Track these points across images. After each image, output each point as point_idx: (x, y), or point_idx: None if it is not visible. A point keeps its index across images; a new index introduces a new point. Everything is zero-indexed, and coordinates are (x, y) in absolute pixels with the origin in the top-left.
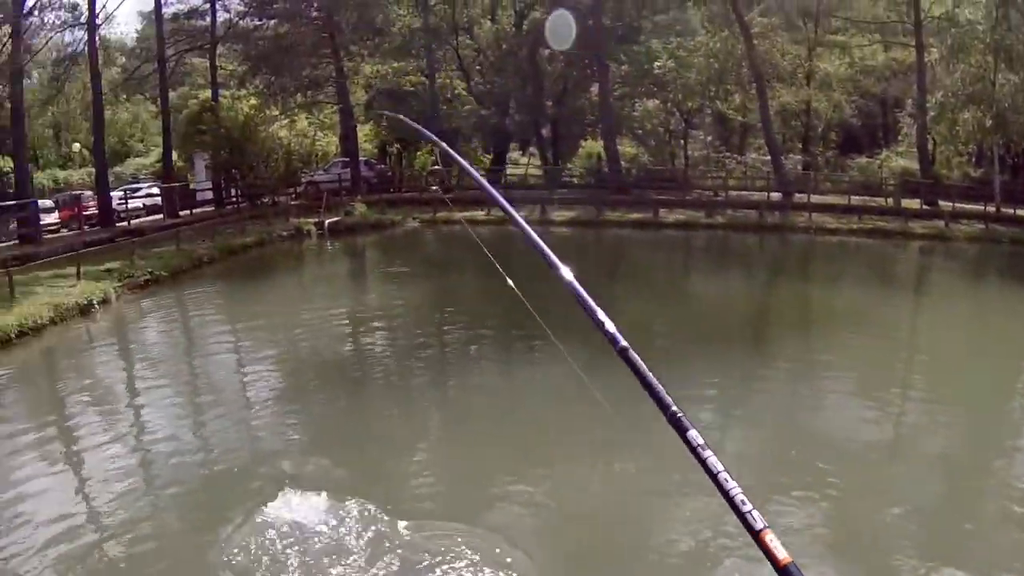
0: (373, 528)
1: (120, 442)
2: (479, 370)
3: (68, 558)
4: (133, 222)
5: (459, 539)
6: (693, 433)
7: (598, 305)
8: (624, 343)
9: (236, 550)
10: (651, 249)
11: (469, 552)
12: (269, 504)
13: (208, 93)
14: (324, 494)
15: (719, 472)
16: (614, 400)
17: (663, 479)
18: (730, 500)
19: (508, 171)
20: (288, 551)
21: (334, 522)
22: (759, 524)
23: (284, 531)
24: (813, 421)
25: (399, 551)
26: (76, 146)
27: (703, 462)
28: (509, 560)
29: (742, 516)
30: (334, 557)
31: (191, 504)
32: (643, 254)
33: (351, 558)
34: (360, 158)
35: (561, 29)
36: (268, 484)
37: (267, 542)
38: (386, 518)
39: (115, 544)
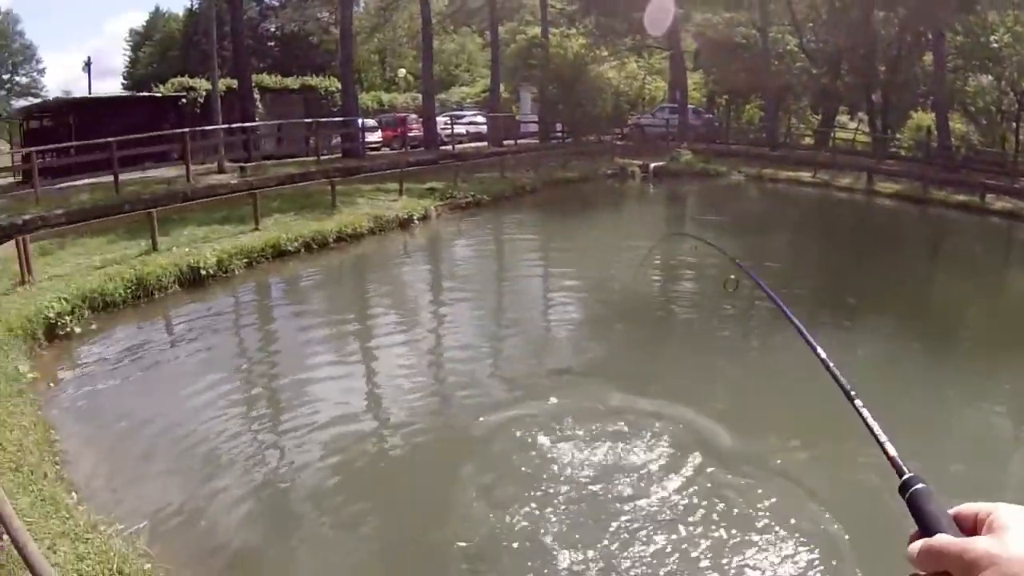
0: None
1: (412, 342)
2: (785, 332)
3: (344, 438)
4: (457, 147)
5: (744, 478)
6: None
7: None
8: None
9: (508, 444)
10: (973, 236)
11: (759, 491)
12: (554, 400)
13: (537, 30)
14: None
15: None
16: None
17: None
18: None
19: (836, 134)
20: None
21: (618, 432)
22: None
23: (562, 432)
24: None
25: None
26: (402, 71)
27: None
28: (804, 511)
29: None
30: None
31: (471, 402)
32: (964, 240)
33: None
34: (688, 106)
35: (658, 14)
36: (553, 391)
37: (542, 440)
38: (655, 429)
39: (391, 432)
